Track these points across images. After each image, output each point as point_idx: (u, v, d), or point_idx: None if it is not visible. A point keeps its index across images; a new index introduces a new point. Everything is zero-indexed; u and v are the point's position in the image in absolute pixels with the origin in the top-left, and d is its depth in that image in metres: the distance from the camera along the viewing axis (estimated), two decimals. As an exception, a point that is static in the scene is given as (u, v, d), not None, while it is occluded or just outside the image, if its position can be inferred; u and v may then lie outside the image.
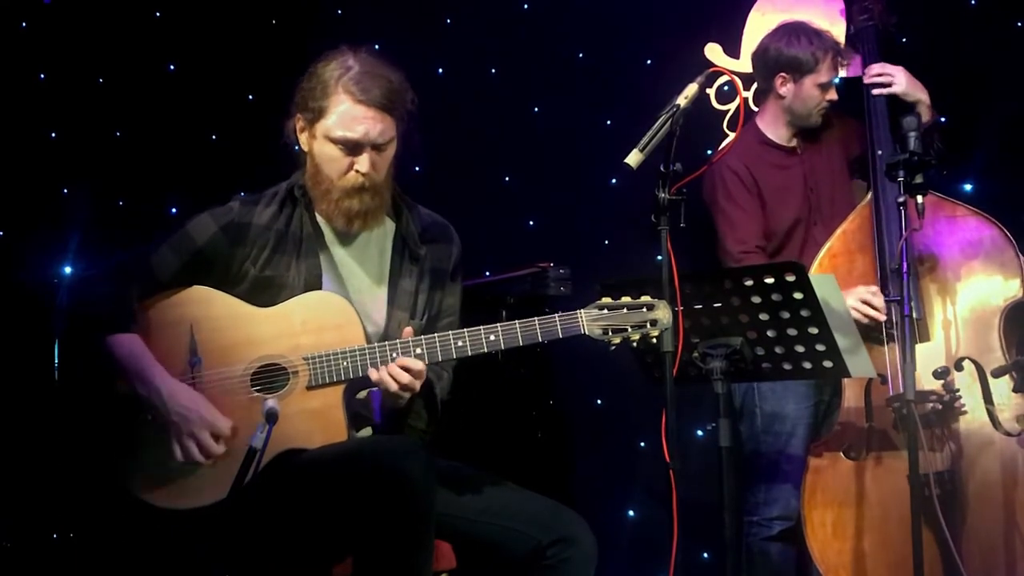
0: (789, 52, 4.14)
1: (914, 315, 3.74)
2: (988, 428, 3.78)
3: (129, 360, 3.09)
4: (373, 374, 3.09)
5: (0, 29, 4.79)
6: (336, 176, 3.19)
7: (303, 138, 3.24)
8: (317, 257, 3.24)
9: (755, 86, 4.45)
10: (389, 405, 3.19)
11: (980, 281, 3.87)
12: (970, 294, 3.87)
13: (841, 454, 3.90)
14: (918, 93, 4.07)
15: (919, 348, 3.79)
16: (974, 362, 3.81)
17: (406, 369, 3.07)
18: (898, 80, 4.05)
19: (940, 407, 3.78)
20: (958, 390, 3.80)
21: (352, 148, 3.17)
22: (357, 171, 3.17)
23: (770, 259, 4.11)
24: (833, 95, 4.16)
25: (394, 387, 3.07)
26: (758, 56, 4.25)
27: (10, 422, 4.47)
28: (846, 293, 3.80)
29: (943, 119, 4.20)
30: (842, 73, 4.22)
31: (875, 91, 4.06)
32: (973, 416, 3.79)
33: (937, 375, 3.78)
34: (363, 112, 3.15)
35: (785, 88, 4.17)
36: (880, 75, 4.07)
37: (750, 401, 4.18)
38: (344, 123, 3.15)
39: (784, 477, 4.08)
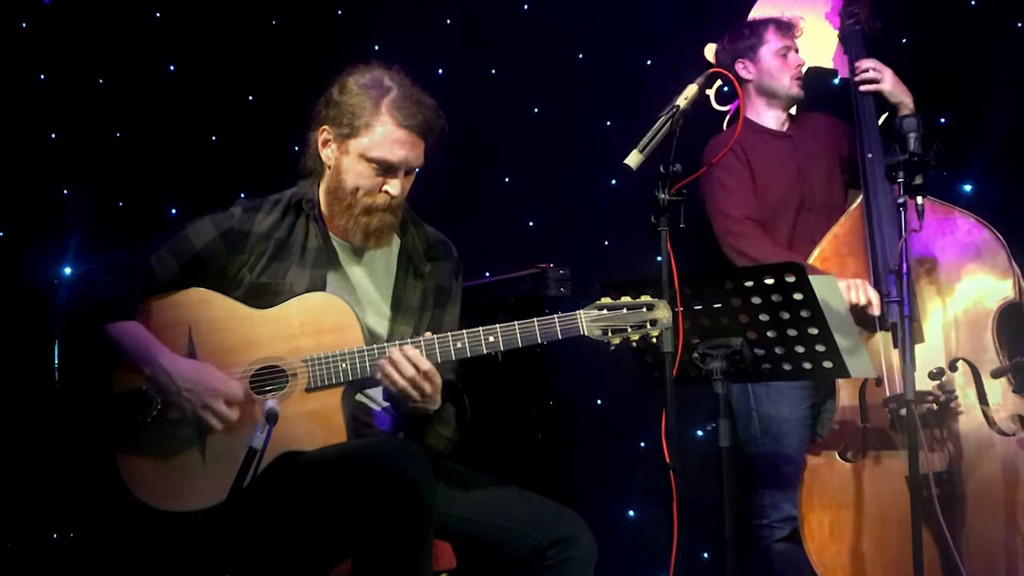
0: (733, 43, 4.30)
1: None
2: (986, 428, 3.78)
3: (132, 342, 3.08)
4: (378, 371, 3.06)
5: (0, 29, 4.80)
6: (363, 193, 3.19)
7: (327, 151, 3.24)
8: (324, 271, 3.24)
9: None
10: (412, 414, 3.17)
11: (973, 283, 3.87)
12: (963, 296, 3.88)
13: (837, 455, 3.90)
14: (902, 95, 4.11)
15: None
16: (968, 363, 3.81)
17: (411, 362, 3.04)
18: (885, 78, 4.09)
19: (936, 408, 3.78)
20: (954, 391, 3.80)
21: (386, 169, 3.18)
22: (387, 192, 3.18)
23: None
24: (799, 60, 4.23)
25: (399, 380, 3.03)
26: (717, 65, 4.27)
27: (10, 422, 4.47)
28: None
29: (943, 119, 4.20)
30: (802, 49, 4.26)
31: (863, 87, 4.09)
32: (969, 417, 3.79)
33: (932, 376, 3.79)
34: (404, 136, 3.17)
35: (746, 71, 4.26)
36: (868, 70, 4.09)
37: (744, 405, 4.17)
38: (385, 145, 3.16)
39: (786, 479, 4.07)
